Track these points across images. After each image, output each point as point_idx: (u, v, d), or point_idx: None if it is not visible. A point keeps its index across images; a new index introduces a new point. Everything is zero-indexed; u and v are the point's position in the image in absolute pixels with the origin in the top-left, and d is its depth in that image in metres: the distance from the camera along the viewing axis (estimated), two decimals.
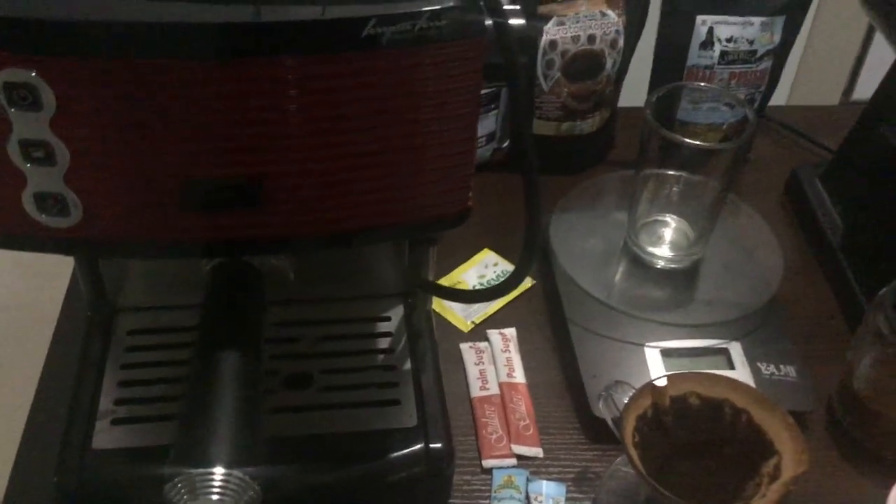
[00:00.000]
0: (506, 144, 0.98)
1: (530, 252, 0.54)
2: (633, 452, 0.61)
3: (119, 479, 0.60)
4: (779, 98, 1.15)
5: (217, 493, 0.45)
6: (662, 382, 0.64)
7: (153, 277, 0.71)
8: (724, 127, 0.87)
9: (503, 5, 0.47)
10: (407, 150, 0.49)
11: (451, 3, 0.45)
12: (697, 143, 0.71)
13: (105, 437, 0.63)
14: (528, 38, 0.84)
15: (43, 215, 0.48)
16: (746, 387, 0.64)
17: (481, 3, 0.46)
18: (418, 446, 0.64)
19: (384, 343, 0.71)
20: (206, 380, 0.48)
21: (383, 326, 0.73)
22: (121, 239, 0.50)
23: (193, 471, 0.46)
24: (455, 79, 0.47)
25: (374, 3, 0.46)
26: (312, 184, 0.48)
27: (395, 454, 0.64)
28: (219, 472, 0.46)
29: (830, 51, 1.14)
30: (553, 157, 0.95)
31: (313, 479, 0.61)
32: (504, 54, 0.48)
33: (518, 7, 0.53)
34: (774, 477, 0.60)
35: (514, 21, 0.52)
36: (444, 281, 0.84)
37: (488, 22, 0.47)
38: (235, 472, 0.46)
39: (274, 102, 0.45)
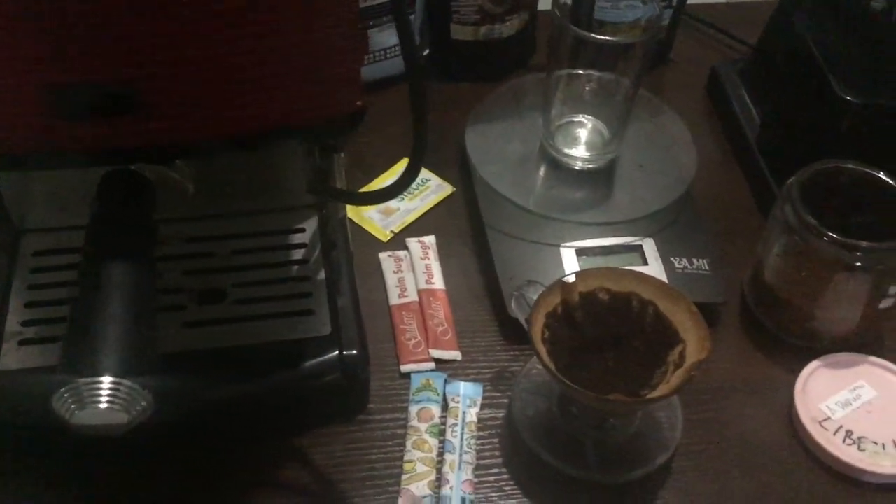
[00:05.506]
0: (426, 52, 0.97)
1: (418, 151, 0.52)
2: (542, 348, 0.62)
3: (12, 396, 0.59)
4: None
5: (105, 402, 0.45)
6: (571, 279, 0.65)
7: (57, 197, 0.69)
8: (644, 23, 0.86)
9: None
10: (283, 45, 0.47)
11: None
12: (605, 38, 0.70)
13: (12, 357, 0.62)
14: None
15: None
16: (653, 279, 0.65)
17: None
18: (332, 353, 0.64)
19: (298, 254, 0.71)
20: (92, 290, 0.47)
21: (297, 238, 0.72)
22: (5, 150, 0.48)
23: (80, 380, 0.45)
24: None
25: None
26: (187, 85, 0.47)
27: (309, 362, 0.64)
28: (107, 380, 0.45)
29: None
30: (473, 62, 0.94)
31: (218, 390, 0.61)
32: None
33: None
34: (679, 365, 0.61)
35: None
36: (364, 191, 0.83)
37: None
38: (125, 382, 0.46)
39: (138, 5, 0.43)
